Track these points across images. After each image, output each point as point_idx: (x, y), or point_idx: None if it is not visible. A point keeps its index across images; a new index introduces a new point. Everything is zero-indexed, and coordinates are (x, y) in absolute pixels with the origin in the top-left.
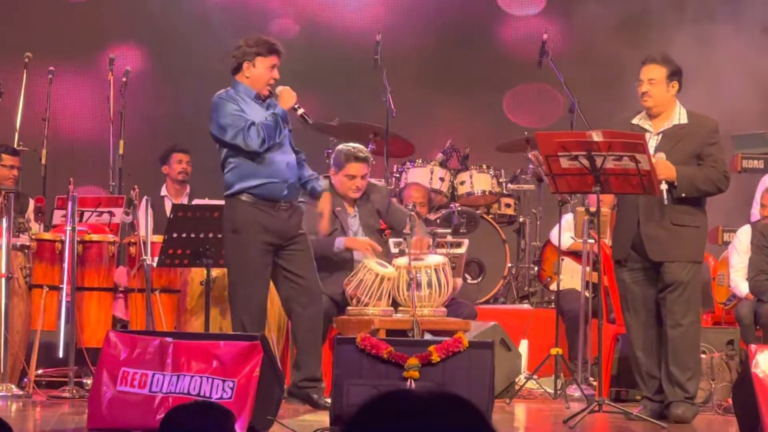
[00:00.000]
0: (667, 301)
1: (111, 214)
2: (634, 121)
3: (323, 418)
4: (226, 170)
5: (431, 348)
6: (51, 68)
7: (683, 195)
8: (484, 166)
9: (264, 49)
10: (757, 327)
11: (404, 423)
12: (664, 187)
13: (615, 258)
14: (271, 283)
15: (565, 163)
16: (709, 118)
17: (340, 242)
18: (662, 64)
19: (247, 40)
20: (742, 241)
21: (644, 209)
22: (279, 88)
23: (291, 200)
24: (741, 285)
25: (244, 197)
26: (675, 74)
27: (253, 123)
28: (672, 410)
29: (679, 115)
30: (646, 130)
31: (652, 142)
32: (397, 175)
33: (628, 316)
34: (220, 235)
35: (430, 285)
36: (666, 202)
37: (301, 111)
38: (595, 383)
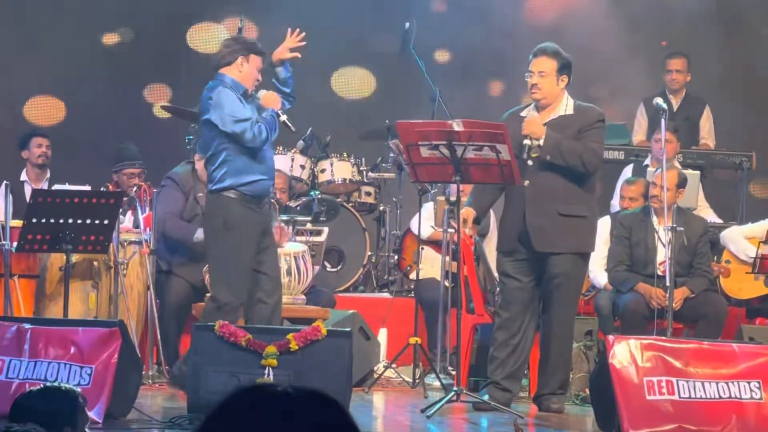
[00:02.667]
0: (551, 293)
1: None
2: (523, 113)
3: (181, 405)
4: (215, 164)
5: (290, 336)
6: None
7: (548, 158)
8: (345, 154)
9: (257, 49)
10: (616, 318)
11: (266, 419)
12: (527, 142)
13: (500, 249)
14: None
15: (425, 152)
16: (595, 108)
17: (200, 233)
18: (553, 57)
19: (237, 37)
20: (601, 231)
21: (531, 200)
22: (262, 92)
23: (270, 198)
24: (599, 276)
25: (232, 194)
26: (565, 67)
27: (257, 119)
28: (547, 403)
29: (566, 107)
30: (523, 147)
31: None
32: None
33: (503, 305)
34: (80, 221)
35: (289, 273)
36: (528, 160)
37: (284, 117)
38: (453, 373)
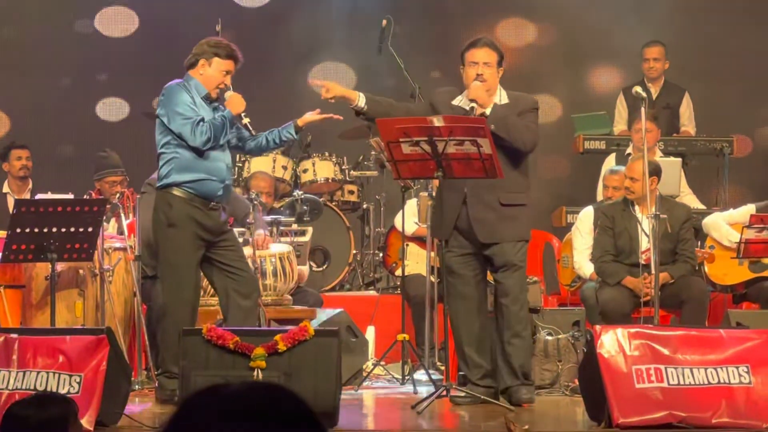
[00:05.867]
0: (502, 281)
1: None
2: (455, 102)
3: (171, 410)
4: (162, 161)
5: (277, 337)
6: None
7: (492, 127)
8: (327, 154)
9: (223, 52)
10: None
11: (224, 418)
12: (474, 104)
13: (439, 237)
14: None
15: (406, 148)
16: (530, 96)
17: None
18: (494, 49)
19: (209, 40)
20: (584, 222)
21: (471, 191)
22: (228, 93)
23: (223, 202)
24: (585, 266)
25: (177, 192)
26: (502, 59)
27: (203, 119)
28: (516, 395)
29: (500, 97)
30: (467, 112)
31: None
32: (240, 165)
33: (455, 303)
34: (64, 229)
35: (275, 274)
36: (470, 111)
37: (246, 120)
38: (442, 368)
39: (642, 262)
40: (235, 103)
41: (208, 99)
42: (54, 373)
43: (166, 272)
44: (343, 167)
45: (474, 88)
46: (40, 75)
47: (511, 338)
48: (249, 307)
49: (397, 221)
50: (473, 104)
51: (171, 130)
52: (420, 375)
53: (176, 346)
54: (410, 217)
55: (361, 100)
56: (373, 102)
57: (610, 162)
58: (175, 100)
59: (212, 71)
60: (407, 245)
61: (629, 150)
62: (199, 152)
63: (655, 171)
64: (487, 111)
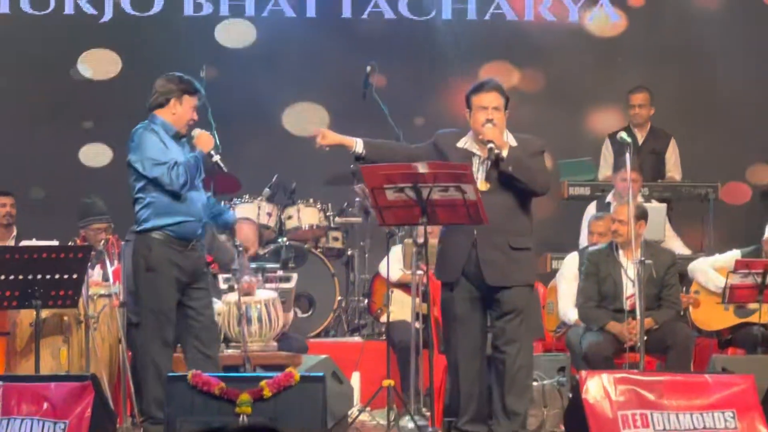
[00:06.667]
0: (506, 328)
1: None
2: (460, 144)
3: None
4: (139, 205)
5: (263, 383)
6: None
7: (510, 169)
8: (311, 200)
9: (190, 87)
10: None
11: None
12: (491, 145)
13: (446, 280)
14: None
15: (391, 195)
16: (536, 138)
17: None
18: (502, 93)
19: (169, 78)
20: (569, 268)
21: (481, 233)
22: (196, 131)
23: (201, 240)
24: (570, 312)
25: (156, 235)
26: (508, 103)
27: (176, 162)
28: None
29: (508, 140)
30: (473, 154)
31: (483, 168)
32: None
33: (455, 348)
34: (49, 276)
35: (260, 320)
36: (489, 153)
37: (216, 158)
38: (428, 414)
39: (626, 307)
40: (204, 141)
41: (176, 136)
42: (39, 420)
43: (146, 316)
44: (328, 213)
45: (489, 130)
46: (21, 119)
47: (508, 388)
48: (210, 356)
49: (382, 267)
50: (491, 145)
51: (145, 176)
52: (405, 421)
53: (158, 391)
54: (395, 264)
55: (358, 146)
56: (371, 146)
57: (591, 209)
58: (145, 145)
59: (183, 109)
60: (392, 291)
61: (609, 198)
62: (176, 195)
63: (642, 215)
64: (504, 153)
